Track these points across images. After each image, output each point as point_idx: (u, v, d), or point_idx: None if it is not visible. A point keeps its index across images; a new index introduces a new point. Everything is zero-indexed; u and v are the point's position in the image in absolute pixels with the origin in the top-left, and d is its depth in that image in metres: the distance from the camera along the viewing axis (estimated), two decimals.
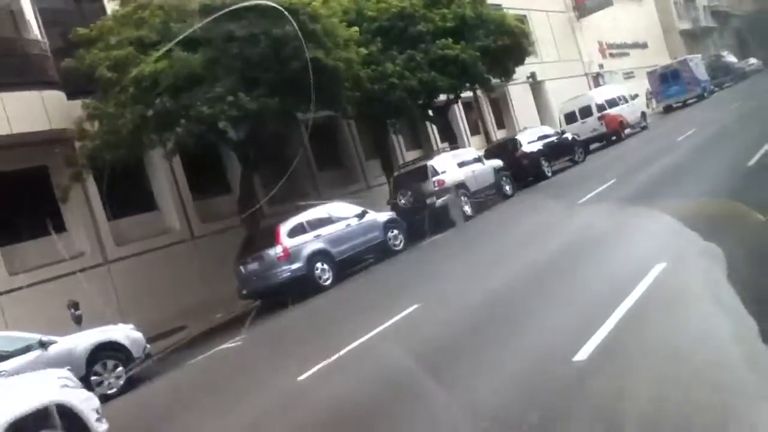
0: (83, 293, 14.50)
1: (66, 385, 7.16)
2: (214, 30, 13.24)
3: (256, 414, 7.09)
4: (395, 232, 16.19)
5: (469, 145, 26.58)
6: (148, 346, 11.52)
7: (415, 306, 9.05)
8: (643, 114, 29.49)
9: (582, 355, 5.46)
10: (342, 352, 7.94)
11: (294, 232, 14.53)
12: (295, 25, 12.41)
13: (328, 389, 7.05)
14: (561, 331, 6.26)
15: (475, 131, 29.25)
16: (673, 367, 4.79)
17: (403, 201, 18.01)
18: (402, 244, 16.13)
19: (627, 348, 5.49)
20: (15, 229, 15.21)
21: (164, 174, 17.78)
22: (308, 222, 14.96)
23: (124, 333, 11.18)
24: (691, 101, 32.89)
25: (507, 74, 23.26)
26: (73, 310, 12.96)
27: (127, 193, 17.89)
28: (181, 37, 11.27)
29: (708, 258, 6.75)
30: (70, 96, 15.17)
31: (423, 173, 18.04)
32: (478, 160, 19.68)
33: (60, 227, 16.08)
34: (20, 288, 14.50)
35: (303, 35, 13.75)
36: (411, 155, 24.68)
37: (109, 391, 10.54)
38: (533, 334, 6.51)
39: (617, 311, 6.07)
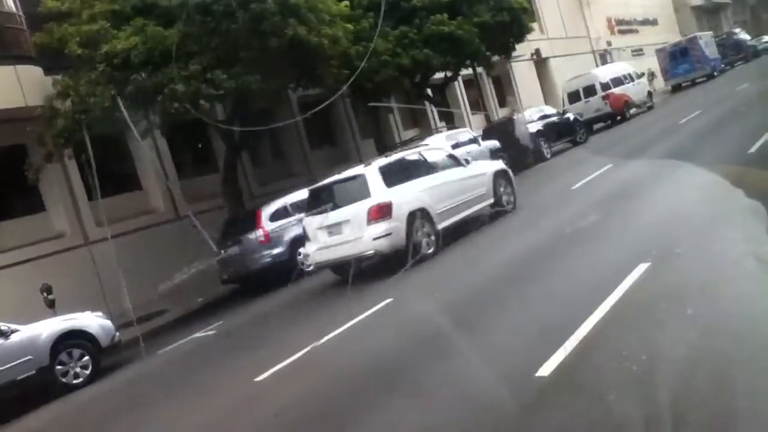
0: (63, 275, 14.19)
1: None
2: (190, 4, 12.64)
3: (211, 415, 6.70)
4: None
5: (469, 125, 25.97)
6: (117, 333, 11.12)
7: (388, 300, 8.64)
8: (650, 93, 28.66)
9: (545, 370, 4.98)
10: (304, 351, 7.53)
11: (276, 216, 14.06)
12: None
13: (285, 391, 6.64)
14: (529, 337, 5.79)
15: (476, 110, 28.56)
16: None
17: None
18: None
19: (595, 363, 5.00)
20: None
21: (148, 153, 17.27)
22: (292, 205, 14.44)
23: (92, 321, 10.79)
24: (699, 80, 31.96)
25: (507, 51, 22.55)
26: (45, 294, 12.65)
27: (109, 173, 17.42)
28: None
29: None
30: (49, 71, 14.63)
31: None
32: (473, 140, 19.06)
33: (38, 207, 15.71)
34: None
35: (285, 10, 13.21)
36: (408, 134, 24.11)
37: (75, 381, 10.18)
38: (499, 339, 6.04)
39: (591, 317, 5.58)
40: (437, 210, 10.95)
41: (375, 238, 10.25)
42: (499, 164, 13.20)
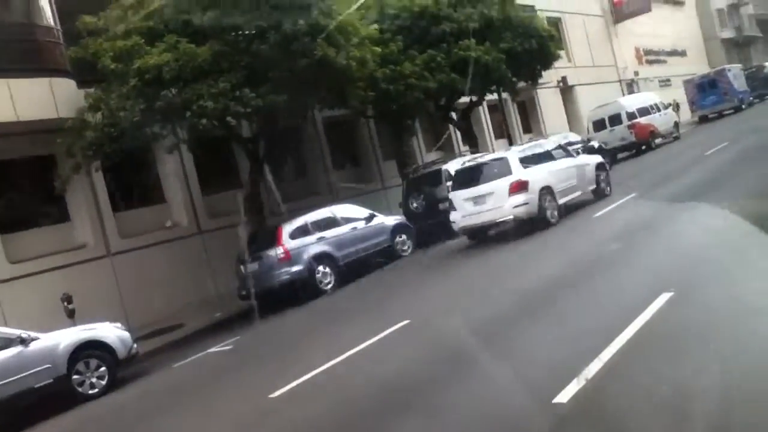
0: (84, 285, 14.34)
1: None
2: (222, 23, 12.86)
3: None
4: (403, 237, 15.68)
5: (493, 150, 25.93)
6: (135, 345, 11.16)
7: (405, 322, 8.57)
8: (676, 124, 28.44)
9: (563, 396, 4.89)
10: (315, 372, 7.50)
11: (296, 234, 14.13)
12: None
13: (297, 410, 6.60)
14: (549, 362, 5.70)
15: (499, 135, 28.52)
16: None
17: (414, 205, 17.49)
18: (410, 250, 15.63)
19: (615, 392, 4.90)
20: (18, 217, 15.05)
21: (173, 167, 17.49)
22: (312, 223, 14.53)
23: (110, 332, 10.84)
24: (727, 112, 31.67)
25: (533, 78, 22.55)
26: (66, 304, 12.78)
27: (134, 185, 17.70)
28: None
29: None
30: (82, 85, 14.93)
31: (437, 177, 17.45)
32: None
33: (64, 217, 15.92)
34: (20, 277, 14.35)
35: (315, 32, 13.37)
36: (431, 157, 24.10)
37: (91, 392, 10.22)
38: (518, 361, 5.96)
39: (612, 345, 5.48)
40: (558, 189, 13.51)
41: (515, 207, 12.85)
42: (599, 158, 15.83)
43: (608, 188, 15.20)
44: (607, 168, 15.63)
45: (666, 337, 5.59)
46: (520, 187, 12.87)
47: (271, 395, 7.19)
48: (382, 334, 8.27)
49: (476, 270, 11.54)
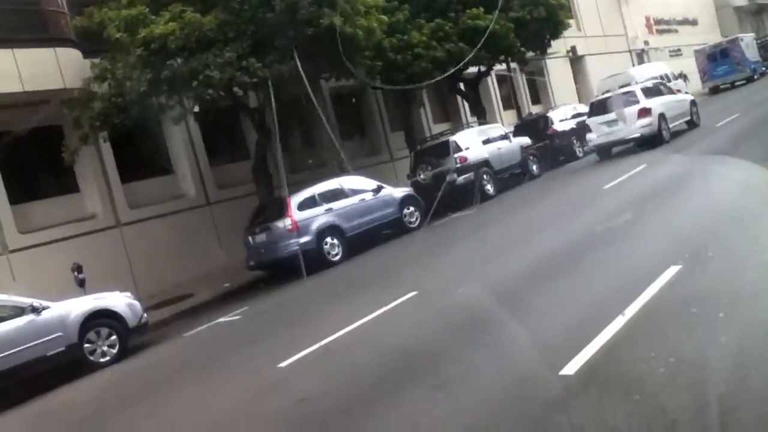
0: (94, 255, 14.45)
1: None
2: None
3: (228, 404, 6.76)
4: (411, 209, 15.68)
5: (501, 120, 25.76)
6: (145, 315, 11.28)
7: (412, 294, 8.59)
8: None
9: (570, 368, 4.92)
10: (323, 342, 7.55)
11: (305, 205, 14.15)
12: None
13: (305, 380, 6.67)
14: (556, 334, 5.72)
15: (508, 106, 28.31)
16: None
17: (422, 177, 17.46)
18: (418, 222, 15.63)
19: (622, 363, 4.92)
20: (27, 188, 15.14)
21: (181, 138, 17.49)
22: (320, 195, 14.54)
23: (120, 301, 10.96)
24: (739, 83, 31.26)
25: (542, 48, 22.29)
26: (76, 273, 12.83)
27: (142, 156, 17.70)
28: None
29: None
30: (88, 55, 14.87)
31: (445, 149, 17.41)
32: (504, 137, 18.93)
33: (73, 188, 15.99)
34: (30, 247, 14.48)
35: (321, 0, 13.22)
36: (439, 128, 23.98)
37: (102, 360, 10.37)
38: (525, 334, 5.97)
39: (619, 318, 5.48)
40: (669, 115, 17.52)
41: (642, 127, 16.91)
42: (691, 96, 20.42)
43: (699, 120, 19.14)
44: (697, 103, 19.79)
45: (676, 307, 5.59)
46: (646, 112, 16.80)
47: (280, 365, 7.25)
48: (389, 305, 8.30)
49: (484, 239, 11.54)
